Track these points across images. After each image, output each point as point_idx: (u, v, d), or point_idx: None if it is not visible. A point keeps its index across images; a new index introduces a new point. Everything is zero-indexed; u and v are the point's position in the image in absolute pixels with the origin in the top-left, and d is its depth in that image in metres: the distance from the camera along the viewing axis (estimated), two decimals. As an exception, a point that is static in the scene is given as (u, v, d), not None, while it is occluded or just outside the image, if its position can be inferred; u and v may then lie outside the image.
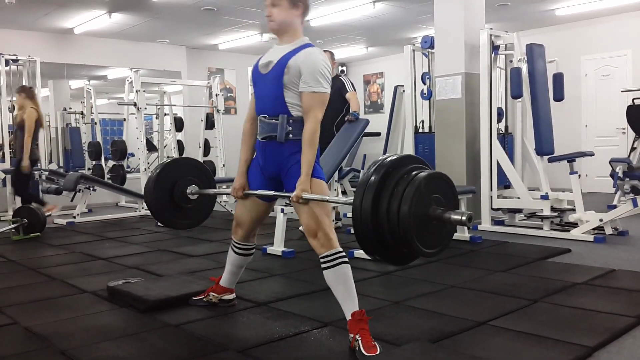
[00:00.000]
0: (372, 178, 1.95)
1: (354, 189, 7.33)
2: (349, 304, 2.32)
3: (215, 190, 2.96)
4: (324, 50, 5.66)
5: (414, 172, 1.97)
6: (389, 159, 2.01)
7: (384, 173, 1.95)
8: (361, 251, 4.07)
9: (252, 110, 2.62)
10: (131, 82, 7.93)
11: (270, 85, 2.43)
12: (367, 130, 5.56)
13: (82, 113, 8.84)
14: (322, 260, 2.33)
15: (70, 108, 8.97)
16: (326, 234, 2.31)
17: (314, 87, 2.32)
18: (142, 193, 7.33)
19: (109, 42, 8.89)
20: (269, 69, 2.43)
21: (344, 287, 2.33)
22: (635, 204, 4.58)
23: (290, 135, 2.40)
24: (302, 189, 2.30)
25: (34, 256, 4.56)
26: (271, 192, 2.57)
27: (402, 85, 6.46)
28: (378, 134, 10.09)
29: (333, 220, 3.88)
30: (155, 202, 2.96)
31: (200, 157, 8.74)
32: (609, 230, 4.73)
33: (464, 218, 1.91)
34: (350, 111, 5.40)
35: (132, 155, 8.65)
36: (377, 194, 1.92)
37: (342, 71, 11.25)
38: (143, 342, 2.45)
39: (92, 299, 3.19)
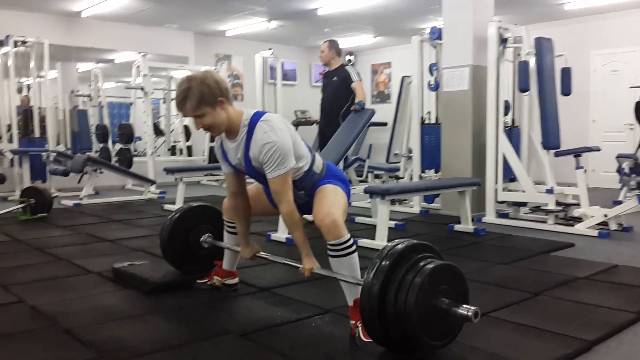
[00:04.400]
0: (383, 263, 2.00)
1: (359, 178, 7.38)
2: (352, 291, 2.33)
3: (226, 245, 2.96)
4: (329, 40, 5.68)
5: (421, 263, 2.00)
6: (400, 246, 2.05)
7: (394, 261, 1.99)
8: (365, 240, 4.12)
9: (232, 186, 2.64)
10: (139, 66, 7.95)
11: (260, 178, 2.50)
12: (374, 120, 5.56)
13: (89, 96, 8.87)
14: (329, 247, 2.33)
15: (78, 90, 8.99)
16: (334, 220, 2.30)
17: (275, 172, 2.33)
18: (149, 177, 7.40)
19: (117, 25, 8.88)
20: (243, 165, 2.47)
21: (349, 274, 2.34)
22: (640, 201, 4.57)
23: (308, 190, 2.53)
24: (309, 268, 2.42)
25: (40, 236, 4.60)
26: (281, 260, 2.70)
27: (409, 76, 6.44)
28: (384, 124, 10.09)
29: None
30: (169, 246, 3.03)
31: (206, 142, 8.78)
32: (613, 226, 4.72)
33: (469, 314, 1.91)
34: (356, 101, 5.40)
35: (139, 139, 8.68)
36: (385, 284, 1.96)
37: (349, 60, 11.23)
38: (146, 324, 2.48)
39: (98, 280, 3.23)
